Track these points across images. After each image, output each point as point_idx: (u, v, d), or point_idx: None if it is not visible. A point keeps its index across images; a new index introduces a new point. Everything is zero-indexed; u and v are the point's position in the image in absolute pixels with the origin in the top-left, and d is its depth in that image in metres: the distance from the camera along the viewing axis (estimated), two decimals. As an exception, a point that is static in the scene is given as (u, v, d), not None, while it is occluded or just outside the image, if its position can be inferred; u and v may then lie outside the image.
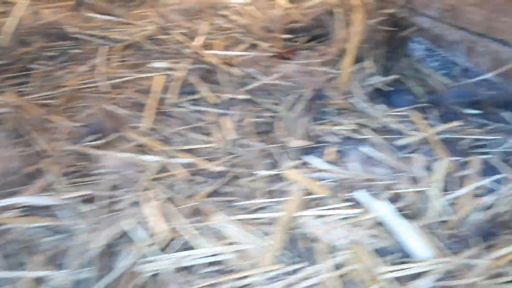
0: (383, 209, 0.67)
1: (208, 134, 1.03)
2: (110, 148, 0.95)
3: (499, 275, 0.59)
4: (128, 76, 1.18)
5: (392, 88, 1.28)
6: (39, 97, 1.14)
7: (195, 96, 1.14)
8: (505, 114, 1.12)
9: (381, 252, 0.66)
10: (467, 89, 1.20)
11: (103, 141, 0.98)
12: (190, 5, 1.48)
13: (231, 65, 1.24)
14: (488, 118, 1.11)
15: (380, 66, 1.30)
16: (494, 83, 1.25)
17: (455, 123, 1.04)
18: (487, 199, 0.76)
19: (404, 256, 0.65)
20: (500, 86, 1.23)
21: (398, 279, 0.61)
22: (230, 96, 1.13)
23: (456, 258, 0.60)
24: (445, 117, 1.12)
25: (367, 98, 1.17)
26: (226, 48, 1.32)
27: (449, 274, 0.59)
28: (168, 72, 1.20)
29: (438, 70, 1.40)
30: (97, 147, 0.96)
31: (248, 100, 1.15)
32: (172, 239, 0.75)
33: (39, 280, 0.70)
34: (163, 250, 0.74)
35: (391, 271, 0.61)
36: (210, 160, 0.95)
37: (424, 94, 1.27)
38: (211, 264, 0.73)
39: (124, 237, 0.76)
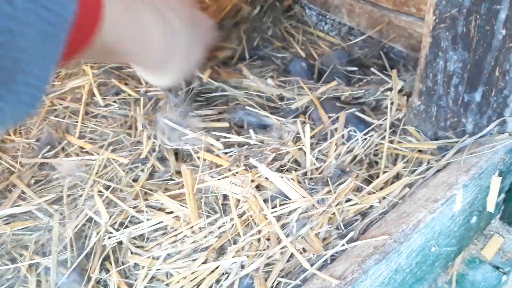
0: (266, 170, 0.94)
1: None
2: (61, 156, 1.18)
3: (341, 203, 0.88)
4: (64, 88, 1.38)
5: (291, 57, 1.52)
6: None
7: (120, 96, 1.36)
8: (378, 67, 1.40)
9: (271, 198, 0.94)
10: (347, 50, 1.47)
11: (55, 150, 1.20)
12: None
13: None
14: (364, 73, 1.38)
15: (278, 38, 1.54)
16: (372, 39, 1.52)
17: (334, 83, 1.30)
18: (348, 145, 1.05)
19: (285, 198, 0.93)
20: (374, 42, 1.50)
21: (279, 216, 0.89)
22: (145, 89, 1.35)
23: (314, 197, 0.89)
24: (331, 77, 1.38)
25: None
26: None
27: (310, 208, 0.88)
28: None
29: (329, 32, 1.65)
30: (51, 157, 1.19)
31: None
32: (126, 218, 1.01)
33: (32, 267, 0.95)
34: (121, 226, 1.00)
35: (275, 212, 0.89)
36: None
37: (318, 57, 1.53)
38: (156, 230, 1.00)
39: (88, 223, 1.02)
